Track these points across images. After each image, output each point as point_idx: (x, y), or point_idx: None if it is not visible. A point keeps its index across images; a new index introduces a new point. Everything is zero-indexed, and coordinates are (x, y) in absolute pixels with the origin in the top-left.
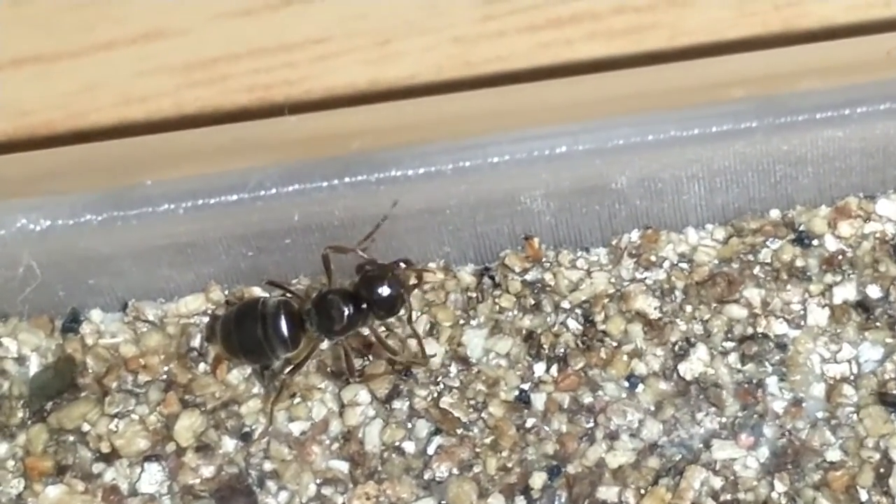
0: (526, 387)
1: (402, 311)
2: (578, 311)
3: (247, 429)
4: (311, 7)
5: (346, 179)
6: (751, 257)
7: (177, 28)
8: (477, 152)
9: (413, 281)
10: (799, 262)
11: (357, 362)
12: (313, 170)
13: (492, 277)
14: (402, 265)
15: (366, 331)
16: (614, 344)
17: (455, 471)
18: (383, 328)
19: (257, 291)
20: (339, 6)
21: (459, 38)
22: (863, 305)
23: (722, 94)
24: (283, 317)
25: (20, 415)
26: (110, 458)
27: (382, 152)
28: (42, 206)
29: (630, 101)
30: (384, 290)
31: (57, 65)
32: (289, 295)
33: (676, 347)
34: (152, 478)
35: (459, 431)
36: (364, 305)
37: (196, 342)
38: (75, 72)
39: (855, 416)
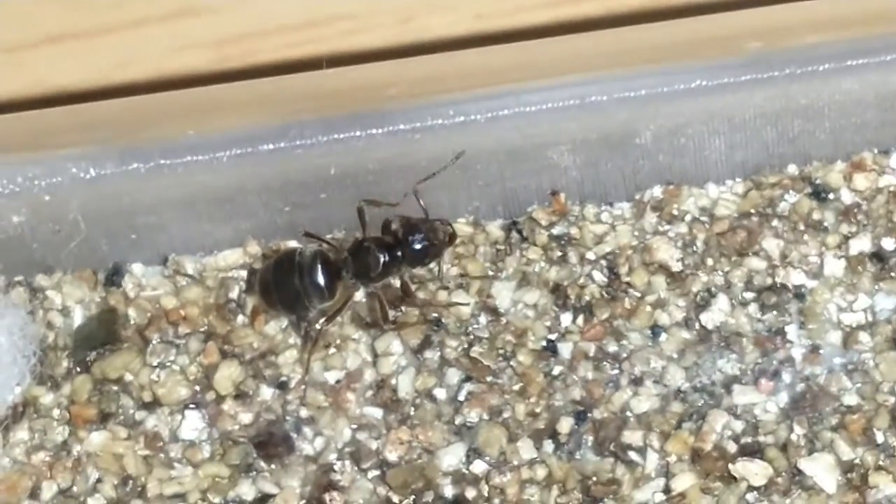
0: (553, 336)
1: (433, 263)
2: (603, 263)
3: (284, 378)
4: None
5: (383, 129)
6: (769, 210)
7: (207, 5)
8: (509, 101)
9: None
10: (816, 215)
11: (390, 314)
12: (351, 120)
13: (519, 231)
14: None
15: (398, 281)
16: (638, 295)
17: (485, 416)
18: (416, 282)
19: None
20: None
21: (481, 15)
22: (878, 256)
23: (742, 46)
24: (319, 266)
25: (65, 364)
26: (152, 406)
27: (418, 101)
28: (91, 155)
29: (652, 52)
30: (420, 238)
31: (91, 41)
32: (325, 245)
33: (698, 298)
34: (193, 425)
35: (489, 379)
36: (399, 253)
37: (234, 294)
38: (109, 48)
39: (871, 362)
